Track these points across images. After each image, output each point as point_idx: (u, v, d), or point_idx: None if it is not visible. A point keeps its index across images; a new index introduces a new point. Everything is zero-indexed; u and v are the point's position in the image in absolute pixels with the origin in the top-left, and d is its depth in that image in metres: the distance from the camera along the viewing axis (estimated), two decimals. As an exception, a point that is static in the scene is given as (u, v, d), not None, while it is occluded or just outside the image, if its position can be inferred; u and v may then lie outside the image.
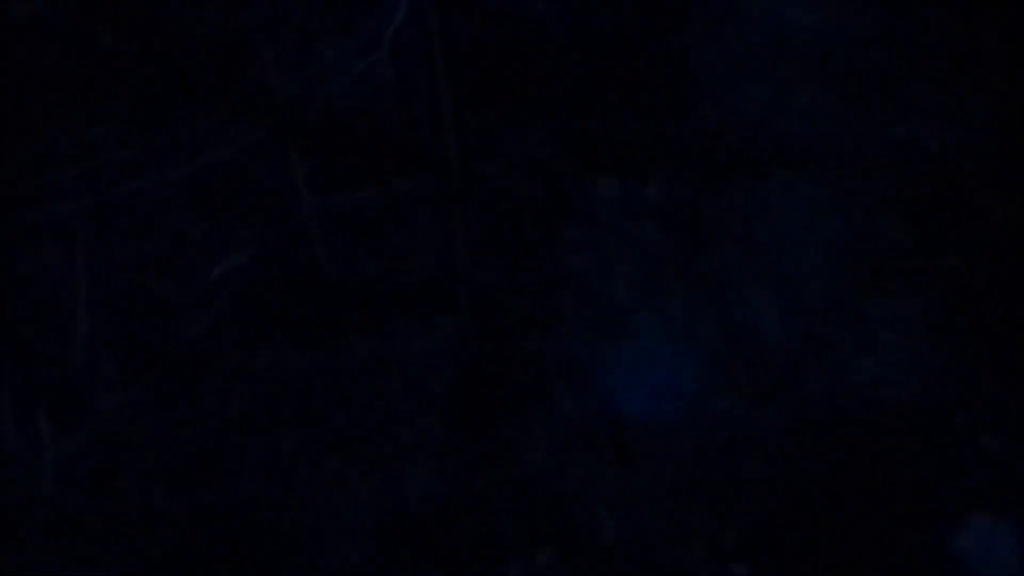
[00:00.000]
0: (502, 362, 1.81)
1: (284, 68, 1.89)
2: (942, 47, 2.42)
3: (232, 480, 1.50)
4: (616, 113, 2.24)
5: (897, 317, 1.98)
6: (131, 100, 1.74)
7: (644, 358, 1.93)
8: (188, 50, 1.87)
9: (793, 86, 2.37)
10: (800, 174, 2.21)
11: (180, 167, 1.63)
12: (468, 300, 1.79)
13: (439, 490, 1.58)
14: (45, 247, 1.61)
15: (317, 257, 1.68)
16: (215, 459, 1.50)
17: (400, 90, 2.02)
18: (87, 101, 1.78)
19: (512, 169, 2.00)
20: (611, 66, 2.31)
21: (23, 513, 1.41)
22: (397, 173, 1.88)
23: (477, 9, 2.23)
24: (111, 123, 1.67)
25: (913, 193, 2.16)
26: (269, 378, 1.64)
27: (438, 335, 1.78)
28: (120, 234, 1.67)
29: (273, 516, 1.50)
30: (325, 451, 1.59)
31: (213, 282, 1.55)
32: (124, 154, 1.65)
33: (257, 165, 1.76)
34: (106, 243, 1.63)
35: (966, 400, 1.88)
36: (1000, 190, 2.18)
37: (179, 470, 1.50)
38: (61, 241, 1.59)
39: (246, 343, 1.65)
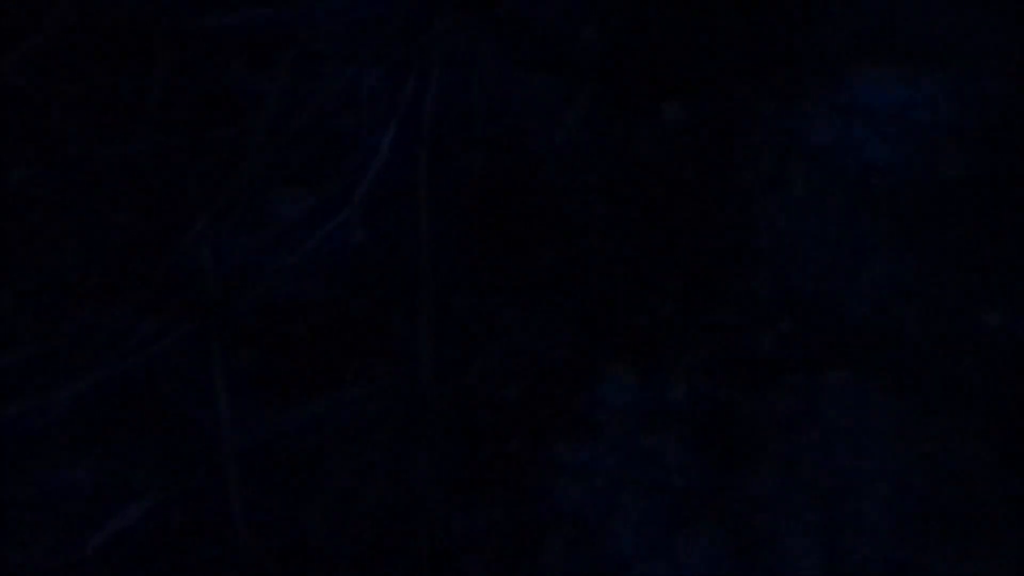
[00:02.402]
0: (463, 640, 1.46)
1: (224, 234, 1.55)
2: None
3: None
4: (642, 282, 1.86)
5: (974, 595, 1.58)
6: (21, 276, 1.42)
7: (646, 631, 1.56)
8: (106, 203, 1.55)
9: (867, 249, 1.95)
10: (864, 374, 1.80)
11: (69, 383, 1.32)
12: (430, 558, 1.45)
13: None
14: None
15: (232, 511, 1.36)
16: None
17: (371, 262, 1.67)
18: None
19: (500, 366, 1.64)
20: (642, 217, 1.92)
21: None
22: (353, 379, 1.54)
23: (481, 144, 1.86)
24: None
25: (1005, 412, 1.74)
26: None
27: (384, 605, 1.44)
28: (-13, 478, 1.35)
29: None
30: None
31: (94, 551, 1.24)
32: None
33: (171, 377, 1.44)
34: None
35: None
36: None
37: None
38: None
39: (132, 629, 1.33)
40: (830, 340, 1.82)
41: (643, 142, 2.02)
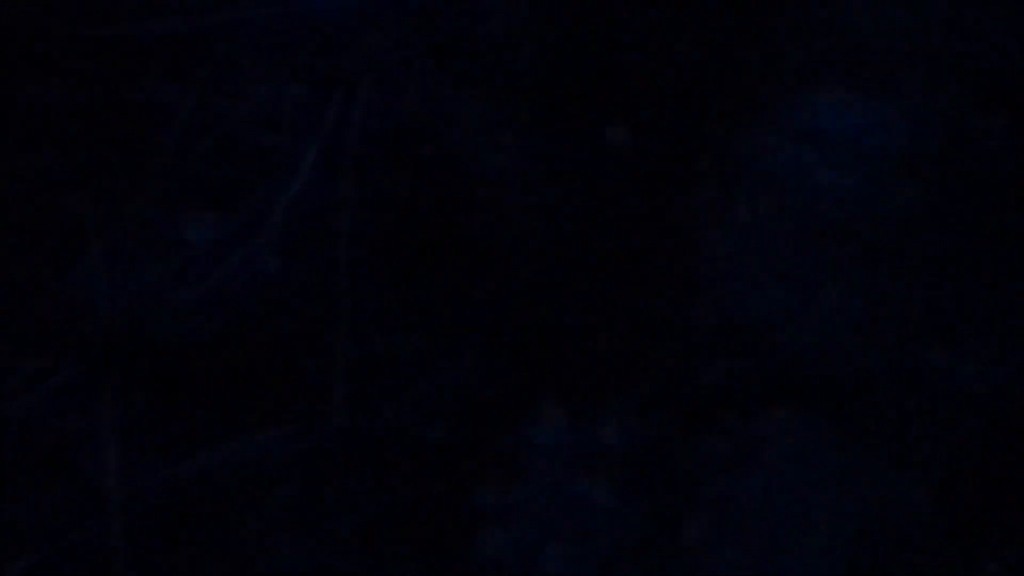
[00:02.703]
0: None
1: (121, 261, 1.44)
2: (1014, 239, 1.91)
3: None
4: (576, 315, 1.77)
5: (920, 658, 1.50)
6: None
7: None
8: None
9: (814, 281, 1.87)
10: (806, 413, 1.72)
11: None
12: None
13: None
14: None
15: (116, 573, 1.25)
16: None
17: (284, 294, 1.57)
18: None
19: (421, 406, 1.55)
20: (579, 247, 1.84)
21: None
22: (259, 423, 1.44)
23: (409, 167, 1.76)
24: None
25: (950, 457, 1.67)
26: None
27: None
28: None
29: None
30: None
31: (-37, 612, 1.13)
32: None
33: (55, 423, 1.33)
34: None
35: None
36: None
37: None
38: None
39: None
40: (772, 377, 1.74)
41: (584, 167, 1.93)
